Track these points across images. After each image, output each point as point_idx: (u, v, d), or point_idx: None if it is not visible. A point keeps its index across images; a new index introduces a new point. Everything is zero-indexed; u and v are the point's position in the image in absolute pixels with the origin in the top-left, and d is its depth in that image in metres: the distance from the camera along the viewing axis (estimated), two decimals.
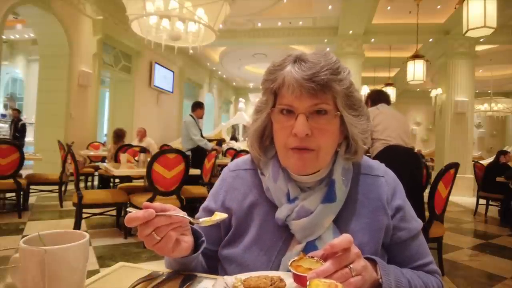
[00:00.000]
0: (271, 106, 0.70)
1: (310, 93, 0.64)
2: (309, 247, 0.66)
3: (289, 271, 0.55)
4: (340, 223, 0.69)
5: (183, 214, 0.59)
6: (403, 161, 2.61)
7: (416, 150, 7.11)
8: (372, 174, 0.75)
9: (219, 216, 0.62)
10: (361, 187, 0.73)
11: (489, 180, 5.16)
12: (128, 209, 0.57)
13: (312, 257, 0.56)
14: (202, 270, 0.72)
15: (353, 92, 0.68)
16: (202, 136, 5.17)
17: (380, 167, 0.78)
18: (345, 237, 0.54)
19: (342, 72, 0.66)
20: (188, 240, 0.64)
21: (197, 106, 5.18)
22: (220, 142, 7.79)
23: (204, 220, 0.61)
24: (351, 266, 0.54)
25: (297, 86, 0.64)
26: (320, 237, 0.67)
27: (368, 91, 10.53)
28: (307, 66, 0.64)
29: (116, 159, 4.73)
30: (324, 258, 0.55)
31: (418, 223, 0.75)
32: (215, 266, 0.78)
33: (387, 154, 2.71)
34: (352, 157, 0.72)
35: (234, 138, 9.44)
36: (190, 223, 0.63)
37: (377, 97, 3.16)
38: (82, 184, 5.54)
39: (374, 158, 2.79)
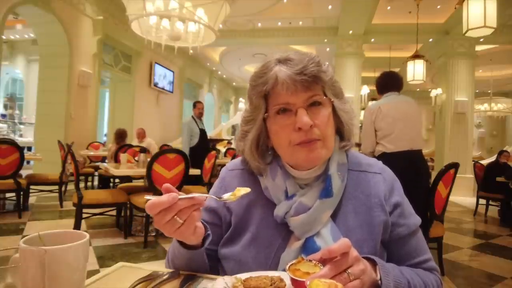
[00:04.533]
0: (264, 111, 0.70)
1: (304, 86, 0.66)
2: (308, 243, 0.67)
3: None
4: (339, 220, 0.70)
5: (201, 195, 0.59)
6: (399, 168, 2.49)
7: None
8: (370, 172, 0.76)
9: (243, 190, 0.61)
10: (359, 184, 0.74)
11: (489, 180, 5.16)
12: (146, 197, 0.56)
13: (310, 260, 0.56)
14: (205, 268, 0.72)
15: (335, 82, 0.74)
16: (203, 134, 5.23)
17: (377, 165, 0.79)
18: (343, 242, 0.54)
19: (323, 64, 0.70)
20: (202, 226, 0.64)
21: (193, 106, 5.34)
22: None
23: (228, 197, 0.61)
24: (349, 270, 0.54)
25: (291, 81, 0.66)
26: (319, 233, 0.67)
27: (368, 93, 10.55)
28: (294, 63, 0.67)
29: (116, 159, 4.74)
30: (323, 261, 0.55)
31: (416, 219, 0.76)
32: (216, 267, 0.78)
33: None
34: (347, 144, 0.75)
35: None
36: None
37: (384, 83, 2.81)
38: (82, 184, 5.54)
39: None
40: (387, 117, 2.65)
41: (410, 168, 2.48)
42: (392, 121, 2.63)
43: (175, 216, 0.56)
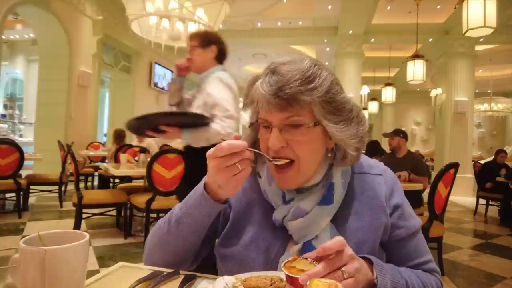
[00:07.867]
0: (255, 119, 0.71)
1: (277, 108, 0.63)
2: (306, 247, 0.66)
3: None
4: (339, 222, 0.70)
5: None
6: None
7: (414, 150, 7.13)
8: (371, 173, 0.76)
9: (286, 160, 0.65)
10: (360, 185, 0.74)
11: (485, 178, 5.18)
12: (221, 137, 0.59)
13: (305, 258, 0.56)
14: (199, 239, 0.72)
15: (334, 97, 0.64)
16: None
17: (379, 166, 0.78)
18: (338, 240, 0.54)
19: (316, 79, 0.63)
20: None
21: None
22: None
23: (280, 160, 0.65)
24: (343, 268, 0.54)
25: (264, 101, 0.64)
26: (317, 237, 0.67)
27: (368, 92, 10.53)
28: (274, 80, 0.62)
29: (116, 159, 4.73)
30: (318, 259, 0.55)
31: (416, 222, 0.76)
32: (199, 255, 0.78)
33: None
34: (339, 163, 0.70)
35: None
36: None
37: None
38: (82, 184, 5.54)
39: None
40: None
41: None
42: None
43: (237, 163, 0.58)
